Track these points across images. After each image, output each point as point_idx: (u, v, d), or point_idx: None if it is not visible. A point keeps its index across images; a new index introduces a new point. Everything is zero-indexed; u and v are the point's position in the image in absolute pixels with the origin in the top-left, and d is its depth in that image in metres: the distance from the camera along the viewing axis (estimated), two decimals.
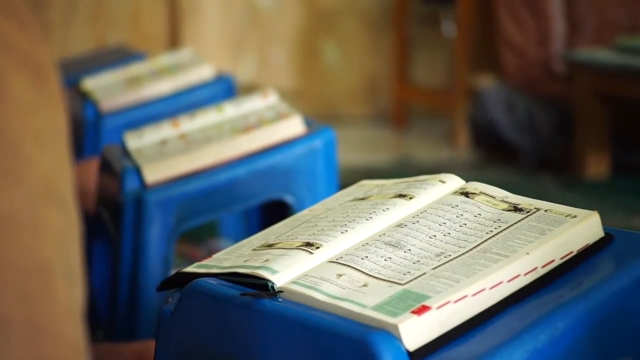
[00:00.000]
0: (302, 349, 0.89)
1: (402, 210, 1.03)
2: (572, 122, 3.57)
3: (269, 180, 1.55)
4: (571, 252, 0.93)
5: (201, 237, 2.31)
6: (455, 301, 0.87)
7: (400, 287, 0.89)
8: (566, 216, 0.95)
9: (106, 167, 1.68)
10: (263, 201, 1.58)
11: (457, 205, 1.01)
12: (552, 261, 0.92)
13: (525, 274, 0.91)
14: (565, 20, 3.70)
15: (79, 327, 0.60)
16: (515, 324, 0.87)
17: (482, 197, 1.02)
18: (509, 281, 0.90)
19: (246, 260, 1.00)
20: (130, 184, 1.53)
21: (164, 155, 1.59)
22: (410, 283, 0.90)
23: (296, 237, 1.02)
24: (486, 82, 3.93)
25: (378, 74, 4.67)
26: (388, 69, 4.63)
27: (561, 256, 0.93)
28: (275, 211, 1.62)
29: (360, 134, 4.44)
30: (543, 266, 0.92)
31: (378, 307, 0.87)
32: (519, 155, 3.69)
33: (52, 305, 0.58)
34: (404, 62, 4.53)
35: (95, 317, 1.71)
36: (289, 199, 1.55)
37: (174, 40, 4.39)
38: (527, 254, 0.91)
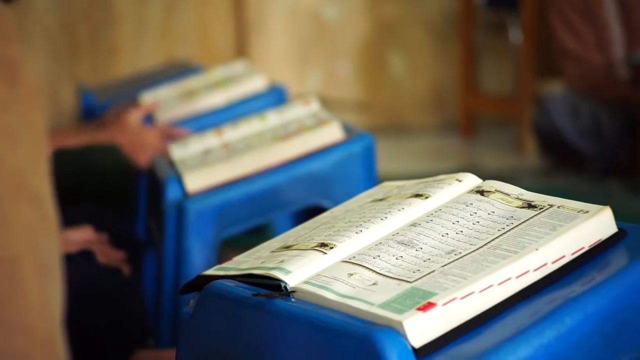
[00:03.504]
0: (311, 347, 0.90)
1: (417, 209, 1.03)
2: (638, 126, 3.51)
3: (308, 186, 1.56)
4: (582, 248, 0.92)
5: (254, 245, 2.32)
6: (462, 298, 0.87)
7: (408, 285, 0.90)
8: (578, 212, 0.94)
9: (153, 177, 1.72)
10: (302, 207, 1.59)
11: (472, 204, 1.01)
12: (563, 257, 0.91)
13: (535, 270, 0.90)
14: (621, 25, 3.64)
15: (52, 320, 0.61)
16: (523, 319, 0.86)
17: (497, 195, 1.02)
18: (517, 277, 0.89)
19: (263, 262, 1.01)
20: (172, 193, 1.56)
21: (205, 164, 1.61)
22: (419, 281, 0.90)
23: (312, 238, 1.03)
24: (553, 88, 3.88)
25: (445, 83, 4.65)
26: (455, 78, 4.61)
27: (572, 252, 0.92)
28: None
29: (428, 144, 4.43)
30: (553, 262, 0.91)
31: (385, 305, 0.87)
32: (585, 161, 3.64)
33: (20, 299, 0.59)
34: (471, 70, 4.50)
35: (146, 325, 1.73)
36: (328, 204, 1.55)
37: (241, 55, 4.43)
38: (536, 250, 0.90)
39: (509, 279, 0.89)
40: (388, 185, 1.16)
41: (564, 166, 3.73)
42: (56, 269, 0.63)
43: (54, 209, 0.64)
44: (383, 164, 3.83)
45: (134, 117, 2.07)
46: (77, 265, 1.52)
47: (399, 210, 1.03)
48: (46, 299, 0.61)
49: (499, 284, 0.88)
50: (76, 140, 2.05)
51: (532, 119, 3.79)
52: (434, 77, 4.67)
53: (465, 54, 4.51)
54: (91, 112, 3.05)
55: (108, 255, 1.70)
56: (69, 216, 1.93)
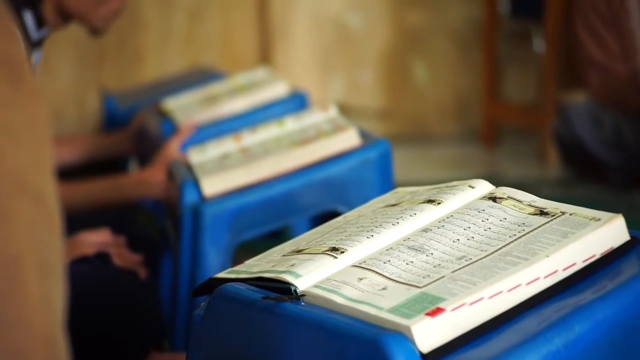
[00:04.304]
0: (320, 350, 0.90)
1: (429, 215, 1.03)
2: None
3: (324, 191, 1.56)
4: (594, 255, 0.92)
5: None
6: (471, 303, 0.86)
7: (417, 290, 0.90)
8: (590, 219, 0.94)
9: (170, 181, 1.72)
10: (318, 212, 1.59)
11: (484, 210, 1.01)
12: (574, 264, 0.91)
13: (545, 277, 0.90)
14: None
15: (54, 319, 0.61)
16: (532, 326, 0.86)
17: (509, 201, 1.01)
18: (527, 284, 0.89)
19: (274, 266, 1.01)
20: (189, 197, 1.57)
21: (223, 168, 1.61)
22: (428, 286, 0.90)
23: (324, 243, 1.03)
24: (576, 98, 3.86)
25: (467, 91, 4.64)
26: (478, 87, 4.59)
27: (583, 259, 0.91)
28: None
29: (450, 152, 4.41)
30: (564, 269, 0.90)
31: (393, 310, 0.87)
32: (607, 172, 3.62)
33: (21, 298, 0.59)
34: (494, 79, 4.49)
35: (162, 327, 1.74)
36: (344, 210, 1.55)
37: (264, 62, 4.44)
38: (547, 256, 0.90)
39: (519, 285, 0.88)
40: (401, 190, 1.16)
41: (586, 176, 3.71)
42: (58, 268, 0.63)
43: (57, 207, 0.63)
44: (405, 172, 3.83)
45: (174, 148, 2.06)
46: (93, 267, 1.53)
47: (410, 215, 1.03)
48: (47, 298, 0.61)
49: (509, 290, 0.88)
50: (107, 187, 2.05)
51: (554, 129, 3.77)
52: (456, 85, 4.66)
53: (488, 62, 4.50)
54: (113, 117, 3.06)
55: (125, 257, 1.71)
56: (88, 219, 1.94)
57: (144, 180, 2.03)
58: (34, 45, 1.55)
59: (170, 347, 1.67)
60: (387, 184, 1.57)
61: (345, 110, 4.47)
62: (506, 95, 4.59)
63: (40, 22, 1.52)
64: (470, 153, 4.41)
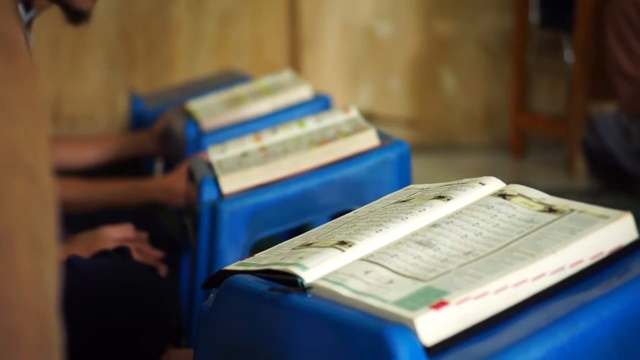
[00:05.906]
0: (324, 342, 0.90)
1: (438, 211, 1.03)
2: None
3: (342, 191, 1.56)
4: (601, 253, 0.91)
5: None
6: (476, 297, 0.86)
7: (423, 284, 0.90)
8: (599, 217, 0.94)
9: (190, 178, 1.73)
10: (336, 212, 1.59)
11: (493, 207, 1.01)
12: (581, 261, 0.91)
13: (552, 273, 0.89)
14: None
15: (46, 297, 0.60)
16: (537, 321, 0.86)
17: (519, 198, 1.01)
18: (533, 279, 0.89)
19: (282, 258, 1.02)
20: (208, 194, 1.57)
21: (242, 166, 1.62)
22: (434, 280, 0.90)
23: (333, 237, 1.04)
24: (605, 109, 3.84)
25: (496, 101, 4.63)
26: (506, 97, 4.58)
27: (591, 256, 0.91)
28: None
29: (477, 162, 4.40)
30: (571, 266, 0.90)
31: (398, 302, 0.87)
32: (635, 183, 3.59)
33: (12, 273, 0.59)
34: (522, 89, 4.47)
35: (181, 325, 1.75)
36: None
37: (294, 69, 4.45)
38: (554, 252, 0.90)
39: (524, 280, 0.88)
40: (413, 187, 1.16)
41: (613, 187, 3.69)
42: (51, 246, 0.62)
43: (51, 185, 0.63)
44: (431, 181, 3.81)
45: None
46: (113, 261, 1.54)
47: (420, 211, 1.03)
48: (39, 275, 0.60)
49: (515, 285, 0.88)
50: (129, 187, 2.07)
51: (582, 139, 3.74)
52: (485, 95, 4.64)
53: (517, 73, 4.48)
54: (141, 118, 3.09)
55: (145, 253, 1.72)
56: (111, 215, 1.96)
57: (166, 187, 2.04)
58: (26, 27, 1.56)
59: (187, 343, 1.68)
60: (405, 185, 1.56)
61: (373, 118, 4.47)
62: (535, 106, 4.57)
63: (27, 5, 1.53)
64: (497, 163, 4.40)
